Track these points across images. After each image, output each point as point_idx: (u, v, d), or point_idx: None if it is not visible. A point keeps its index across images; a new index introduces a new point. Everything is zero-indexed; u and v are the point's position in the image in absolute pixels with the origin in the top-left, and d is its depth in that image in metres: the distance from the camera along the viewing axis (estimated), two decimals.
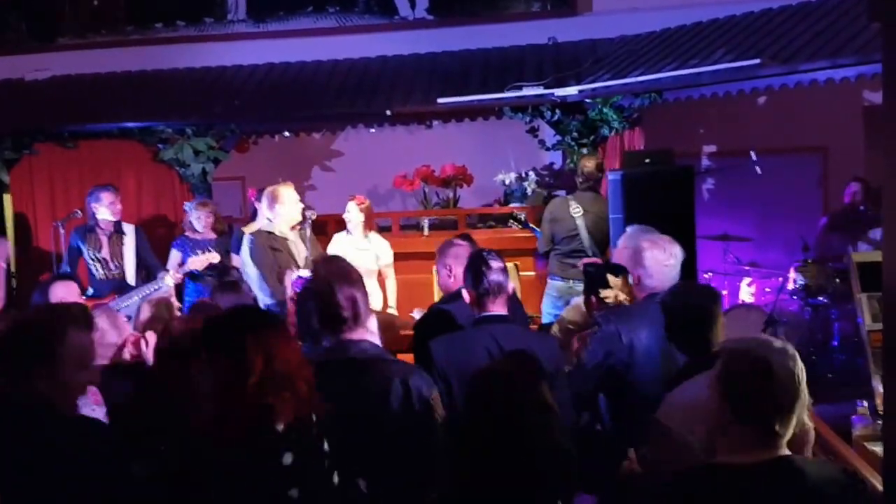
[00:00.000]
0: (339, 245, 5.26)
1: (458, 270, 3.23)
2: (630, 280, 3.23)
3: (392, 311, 5.38)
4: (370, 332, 2.46)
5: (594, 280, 3.36)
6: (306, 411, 2.04)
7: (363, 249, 5.24)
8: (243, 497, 2.00)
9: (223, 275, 4.16)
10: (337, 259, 2.82)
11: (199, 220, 5.53)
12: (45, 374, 2.07)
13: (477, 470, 1.94)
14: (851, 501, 1.85)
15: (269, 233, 4.72)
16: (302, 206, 4.85)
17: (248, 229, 5.21)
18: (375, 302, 4.96)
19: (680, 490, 1.89)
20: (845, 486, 1.86)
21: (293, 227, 4.78)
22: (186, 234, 5.60)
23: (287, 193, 4.76)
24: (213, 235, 5.57)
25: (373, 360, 2.46)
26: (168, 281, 5.01)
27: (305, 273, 3.68)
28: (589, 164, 5.37)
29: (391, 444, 2.34)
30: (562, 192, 7.17)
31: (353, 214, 5.26)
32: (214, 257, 5.26)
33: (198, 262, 5.22)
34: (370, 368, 2.42)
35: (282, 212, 4.71)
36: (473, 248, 4.68)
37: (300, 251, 4.74)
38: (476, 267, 2.91)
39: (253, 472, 1.98)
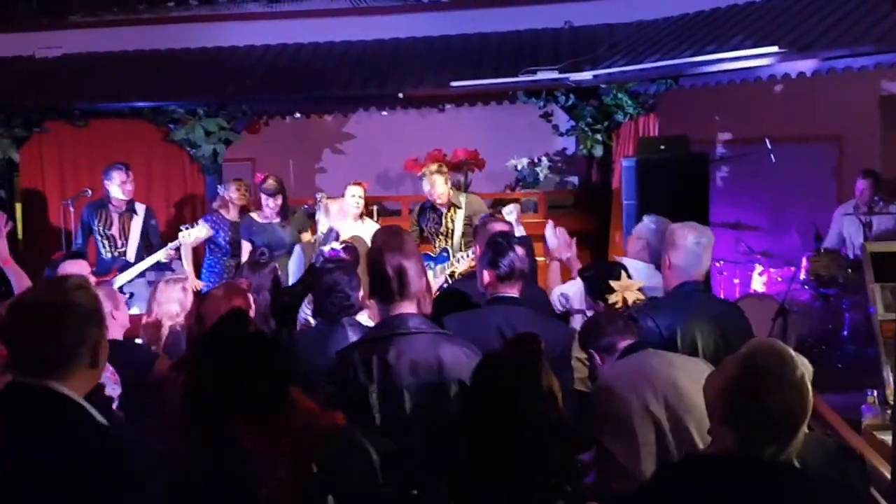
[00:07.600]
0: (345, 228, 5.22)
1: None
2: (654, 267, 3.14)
3: None
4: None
5: (594, 287, 3.23)
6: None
7: (364, 231, 5.23)
8: None
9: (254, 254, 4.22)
10: (394, 229, 2.70)
11: (237, 190, 5.56)
12: None
13: (476, 456, 1.90)
14: (848, 477, 1.83)
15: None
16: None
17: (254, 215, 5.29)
18: None
19: (667, 481, 1.80)
20: (843, 462, 1.84)
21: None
22: (220, 211, 5.59)
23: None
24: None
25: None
26: (161, 256, 5.09)
27: (337, 246, 3.65)
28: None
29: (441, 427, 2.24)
30: (573, 179, 7.10)
31: (359, 200, 5.10)
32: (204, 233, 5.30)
33: (191, 238, 5.25)
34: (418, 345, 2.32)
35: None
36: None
37: None
38: (498, 249, 2.89)
39: None
